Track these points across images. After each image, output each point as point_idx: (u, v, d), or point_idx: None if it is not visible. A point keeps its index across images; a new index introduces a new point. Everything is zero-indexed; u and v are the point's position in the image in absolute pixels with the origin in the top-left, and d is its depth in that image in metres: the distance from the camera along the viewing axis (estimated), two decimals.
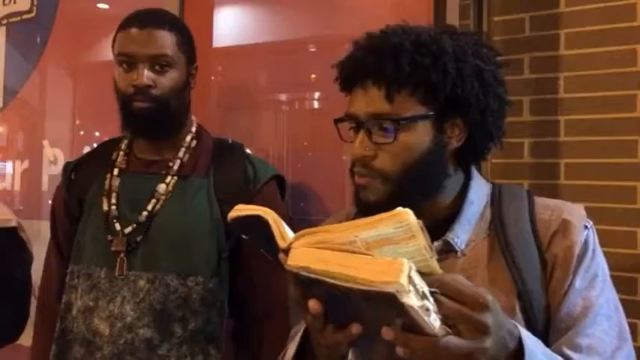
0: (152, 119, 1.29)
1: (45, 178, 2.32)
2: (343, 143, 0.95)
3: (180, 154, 1.35)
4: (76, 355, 1.28)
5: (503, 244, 0.88)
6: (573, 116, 1.63)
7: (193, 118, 1.42)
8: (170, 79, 1.29)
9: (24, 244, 1.63)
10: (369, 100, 0.88)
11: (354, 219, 0.92)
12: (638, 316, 1.49)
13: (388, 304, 0.61)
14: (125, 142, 1.41)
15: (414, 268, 0.62)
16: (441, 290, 0.66)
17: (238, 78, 1.88)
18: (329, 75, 0.97)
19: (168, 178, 1.33)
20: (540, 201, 0.94)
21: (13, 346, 1.64)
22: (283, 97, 1.82)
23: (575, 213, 0.91)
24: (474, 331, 0.66)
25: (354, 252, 0.68)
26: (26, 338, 1.55)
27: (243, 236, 0.91)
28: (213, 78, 1.90)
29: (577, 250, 0.87)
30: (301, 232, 0.74)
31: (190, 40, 1.37)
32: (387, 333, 0.65)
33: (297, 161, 1.72)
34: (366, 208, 0.89)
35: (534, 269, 0.86)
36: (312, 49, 1.76)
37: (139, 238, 1.28)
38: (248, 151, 1.44)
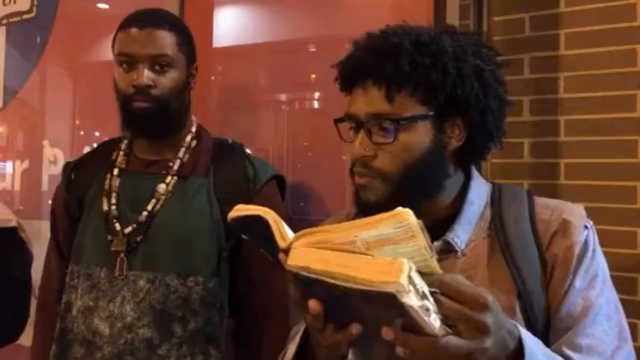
0: (152, 119, 1.29)
1: (45, 178, 2.32)
2: (343, 143, 0.95)
3: (180, 154, 1.35)
4: (76, 355, 1.28)
5: (503, 244, 0.88)
6: (573, 116, 1.63)
7: (193, 118, 1.42)
8: (170, 79, 1.29)
9: (24, 244, 1.63)
10: (369, 100, 0.88)
11: (354, 219, 0.92)
12: (638, 316, 1.49)
13: (388, 304, 0.61)
14: (125, 142, 1.41)
15: (414, 268, 0.62)
16: (441, 290, 0.66)
17: (238, 78, 1.88)
18: (329, 75, 0.97)
19: (168, 178, 1.33)
20: (540, 201, 0.94)
21: (13, 346, 1.64)
22: (283, 97, 1.82)
23: (575, 213, 0.91)
24: (474, 331, 0.66)
25: (354, 252, 0.68)
26: (26, 338, 1.54)
27: (243, 236, 0.91)
28: (213, 78, 1.90)
29: (577, 250, 0.87)
30: (301, 232, 0.74)
31: (190, 40, 1.37)
32: (387, 333, 0.65)
33: (297, 161, 1.72)
34: (366, 208, 0.89)
35: (534, 269, 0.86)
36: (312, 49, 1.76)
37: (139, 238, 1.28)
38: (248, 151, 1.44)
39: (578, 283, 0.86)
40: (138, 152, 1.38)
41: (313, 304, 0.71)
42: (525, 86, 1.69)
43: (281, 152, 1.73)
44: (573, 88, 1.64)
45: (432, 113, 0.88)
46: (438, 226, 0.89)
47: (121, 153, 1.39)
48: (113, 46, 1.33)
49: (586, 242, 0.88)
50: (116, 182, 1.35)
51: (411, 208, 0.67)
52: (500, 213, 0.92)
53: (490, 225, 0.92)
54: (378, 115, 0.87)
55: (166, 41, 1.29)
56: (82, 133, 2.33)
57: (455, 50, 0.88)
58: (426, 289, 0.64)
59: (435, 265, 0.68)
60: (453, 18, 1.45)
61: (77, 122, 2.31)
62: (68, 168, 1.44)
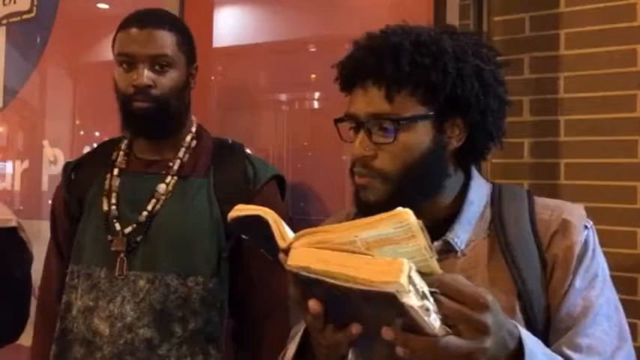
0: (152, 119, 1.29)
1: (45, 178, 2.32)
2: (343, 143, 0.95)
3: (180, 154, 1.35)
4: (76, 355, 1.28)
5: (503, 244, 0.88)
6: (573, 116, 1.63)
7: (193, 118, 1.42)
8: (170, 79, 1.29)
9: (24, 244, 1.63)
10: (369, 100, 0.88)
11: (354, 219, 0.92)
12: (638, 316, 1.49)
13: (388, 304, 0.61)
14: (125, 142, 1.41)
15: (414, 268, 0.62)
16: (441, 290, 0.66)
17: (238, 78, 1.88)
18: (329, 75, 0.97)
19: (168, 178, 1.33)
20: (540, 201, 0.94)
21: (13, 346, 1.64)
22: (283, 97, 1.82)
23: (575, 213, 0.91)
24: (474, 331, 0.66)
25: (354, 252, 0.68)
26: (26, 338, 1.54)
27: (243, 236, 0.91)
28: (213, 78, 1.90)
29: (577, 250, 0.87)
30: (301, 232, 0.74)
31: (190, 40, 1.37)
32: (387, 333, 0.65)
33: (297, 161, 1.72)
34: (366, 208, 0.89)
35: (534, 269, 0.86)
36: (312, 49, 1.76)
37: (139, 238, 1.28)
38: (248, 151, 1.44)
39: (578, 283, 0.86)
40: (138, 152, 1.38)
41: (313, 304, 0.71)
42: (525, 86, 1.69)
43: (281, 152, 1.73)
44: (573, 88, 1.64)
45: (432, 113, 0.88)
46: (438, 226, 0.89)
47: (121, 153, 1.39)
48: (113, 46, 1.33)
49: (586, 242, 0.88)
50: (116, 182, 1.35)
51: (411, 208, 0.67)
52: (501, 213, 0.92)
53: (490, 225, 0.92)
54: (378, 115, 0.87)
55: (166, 41, 1.29)
56: (82, 133, 2.33)
57: (455, 50, 0.88)
58: (426, 289, 0.64)
59: (435, 265, 0.68)
60: (453, 18, 1.45)
61: (77, 122, 2.31)
62: (68, 168, 1.44)
